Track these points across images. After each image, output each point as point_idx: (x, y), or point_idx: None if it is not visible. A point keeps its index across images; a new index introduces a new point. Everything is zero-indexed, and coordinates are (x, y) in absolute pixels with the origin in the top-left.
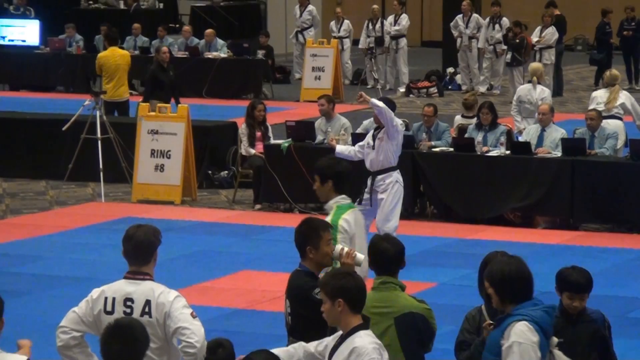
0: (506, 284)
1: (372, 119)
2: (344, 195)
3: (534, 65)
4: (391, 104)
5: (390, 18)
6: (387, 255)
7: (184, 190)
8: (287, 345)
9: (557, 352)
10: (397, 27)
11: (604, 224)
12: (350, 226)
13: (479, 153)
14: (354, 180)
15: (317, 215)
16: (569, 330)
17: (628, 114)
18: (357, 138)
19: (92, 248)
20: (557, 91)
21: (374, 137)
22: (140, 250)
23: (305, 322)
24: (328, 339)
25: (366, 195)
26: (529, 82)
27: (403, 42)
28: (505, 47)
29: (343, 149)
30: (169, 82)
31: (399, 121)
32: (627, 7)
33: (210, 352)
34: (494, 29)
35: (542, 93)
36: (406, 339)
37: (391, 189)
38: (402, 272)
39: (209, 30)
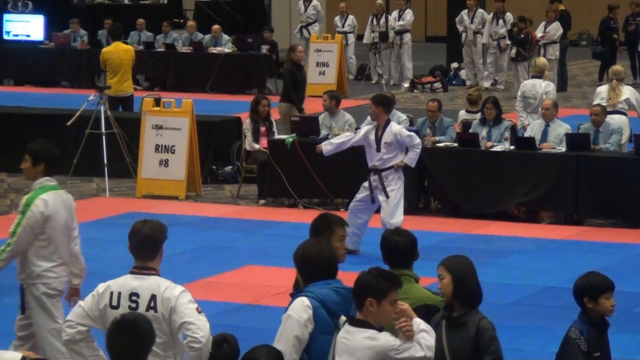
0: (305, 264)
1: None
2: (49, 177)
3: (542, 60)
4: (388, 101)
5: (395, 13)
6: (399, 247)
7: (189, 185)
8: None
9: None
10: (401, 22)
11: (609, 219)
12: (47, 206)
13: (483, 148)
14: (348, 175)
15: (320, 210)
16: (603, 341)
17: (632, 109)
18: None
19: (96, 243)
20: (561, 86)
21: (377, 141)
22: (147, 245)
23: None
24: None
25: (365, 192)
26: (534, 77)
27: (407, 37)
28: (509, 43)
29: (331, 148)
30: (303, 82)
31: (415, 139)
32: (633, 2)
33: (215, 347)
34: (497, 24)
35: (546, 88)
36: None
37: (394, 185)
38: None
39: (215, 26)
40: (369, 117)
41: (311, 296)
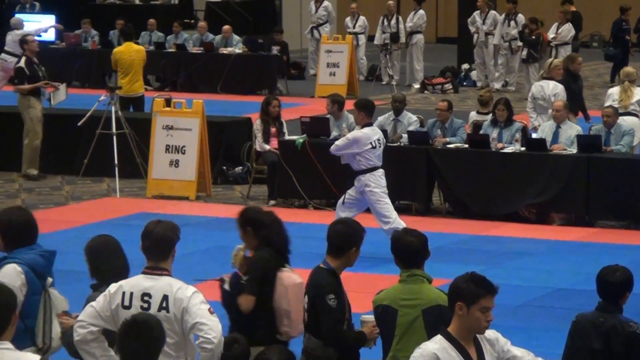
0: (10, 230)
1: (386, 115)
2: None
3: (557, 61)
4: (371, 105)
5: (411, 15)
6: (411, 248)
7: (199, 185)
8: (304, 341)
9: (53, 291)
10: (410, 24)
11: (620, 220)
12: None
13: (494, 149)
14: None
15: (331, 211)
16: None
17: None
18: None
19: None
20: None
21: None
22: (160, 246)
23: (318, 321)
24: None
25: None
26: (543, 78)
27: (417, 38)
28: (520, 44)
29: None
30: (579, 92)
31: (348, 139)
32: None
33: (226, 348)
34: (509, 25)
35: (554, 89)
36: (433, 330)
37: (366, 194)
38: None
39: (226, 27)
40: (380, 118)
41: (20, 262)
